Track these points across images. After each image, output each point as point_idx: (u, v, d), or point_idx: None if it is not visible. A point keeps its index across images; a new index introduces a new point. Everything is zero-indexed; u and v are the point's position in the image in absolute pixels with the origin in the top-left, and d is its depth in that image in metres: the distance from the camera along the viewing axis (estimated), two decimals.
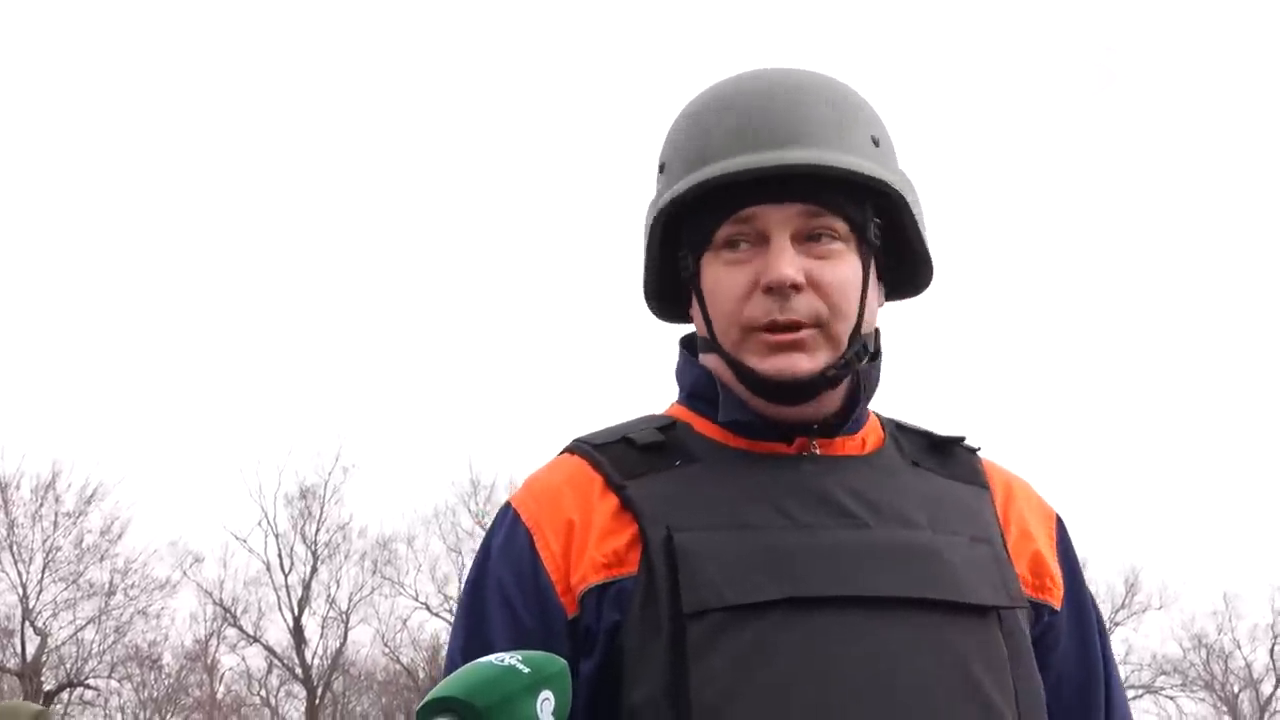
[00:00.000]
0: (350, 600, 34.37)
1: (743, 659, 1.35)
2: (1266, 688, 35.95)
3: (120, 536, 31.86)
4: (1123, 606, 34.80)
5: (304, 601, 33.81)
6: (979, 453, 1.58)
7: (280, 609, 33.94)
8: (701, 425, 1.51)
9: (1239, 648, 36.31)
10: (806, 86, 1.49)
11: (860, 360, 1.47)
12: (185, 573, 33.22)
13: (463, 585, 1.53)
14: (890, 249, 1.51)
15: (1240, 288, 47.24)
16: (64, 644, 30.97)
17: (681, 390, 1.56)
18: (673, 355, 1.59)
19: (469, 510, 34.52)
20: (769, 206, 1.44)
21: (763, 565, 1.38)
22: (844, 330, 1.45)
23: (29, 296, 47.44)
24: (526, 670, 1.09)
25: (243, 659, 34.84)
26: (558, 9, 48.69)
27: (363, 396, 46.90)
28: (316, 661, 34.09)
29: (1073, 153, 49.09)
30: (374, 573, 34.57)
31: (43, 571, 30.95)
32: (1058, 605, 1.51)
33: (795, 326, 1.43)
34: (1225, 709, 35.94)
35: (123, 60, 49.84)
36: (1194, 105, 48.78)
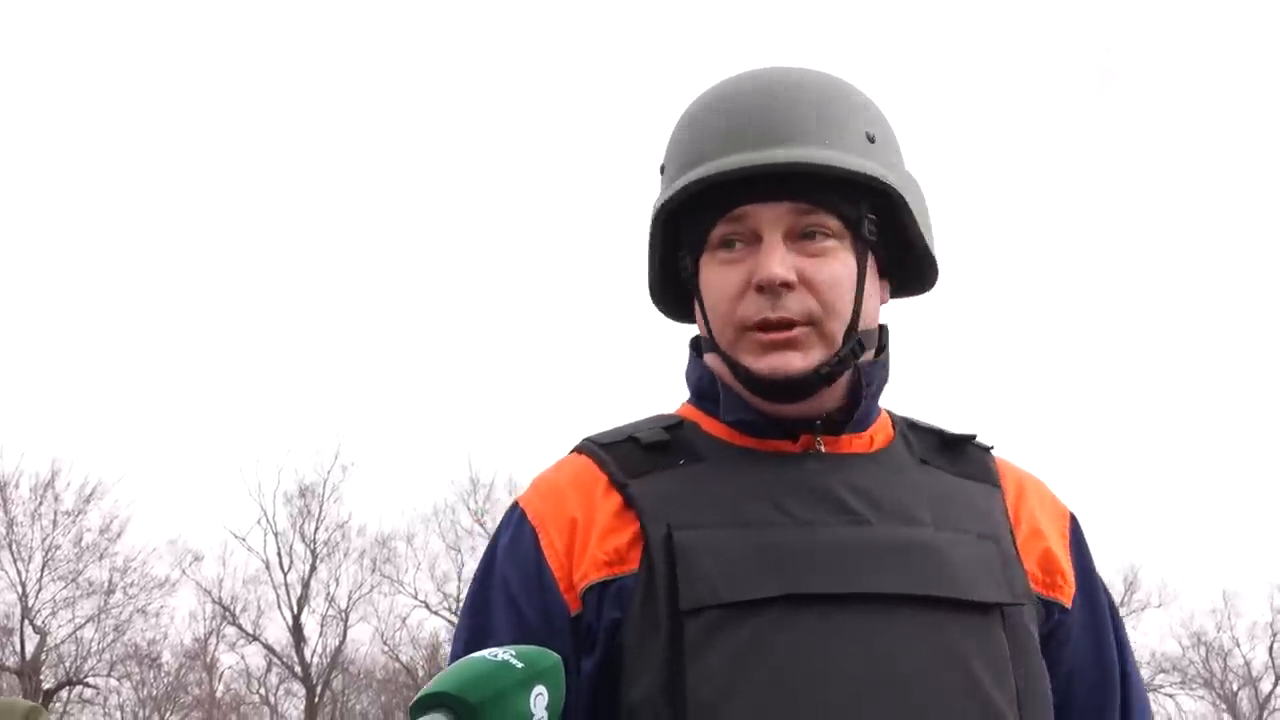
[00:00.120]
0: (349, 598, 34.42)
1: (739, 656, 1.35)
2: (1265, 685, 35.98)
3: (119, 535, 31.88)
4: (1122, 604, 34.82)
5: (303, 600, 33.84)
6: (992, 451, 1.58)
7: (279, 607, 33.99)
8: (708, 424, 1.51)
9: (1238, 645, 36.37)
10: (800, 85, 1.49)
11: (857, 357, 1.47)
12: (184, 571, 33.27)
13: (469, 583, 1.53)
14: (894, 246, 1.51)
15: (1240, 287, 47.26)
16: (63, 642, 30.98)
17: (689, 390, 1.57)
18: (675, 353, 1.60)
19: (468, 508, 34.56)
20: (760, 205, 1.44)
21: (761, 562, 1.38)
22: (837, 328, 1.45)
23: (28, 295, 47.46)
24: (520, 665, 1.09)
25: (242, 657, 34.90)
26: (561, 8, 48.71)
27: (362, 395, 46.96)
28: (316, 660, 34.12)
29: (1073, 153, 49.12)
30: (373, 571, 34.62)
31: (42, 570, 30.96)
32: (1068, 603, 1.51)
33: (787, 325, 1.44)
34: (1224, 707, 35.97)
35: (123, 60, 49.88)
36: (1194, 105, 48.82)
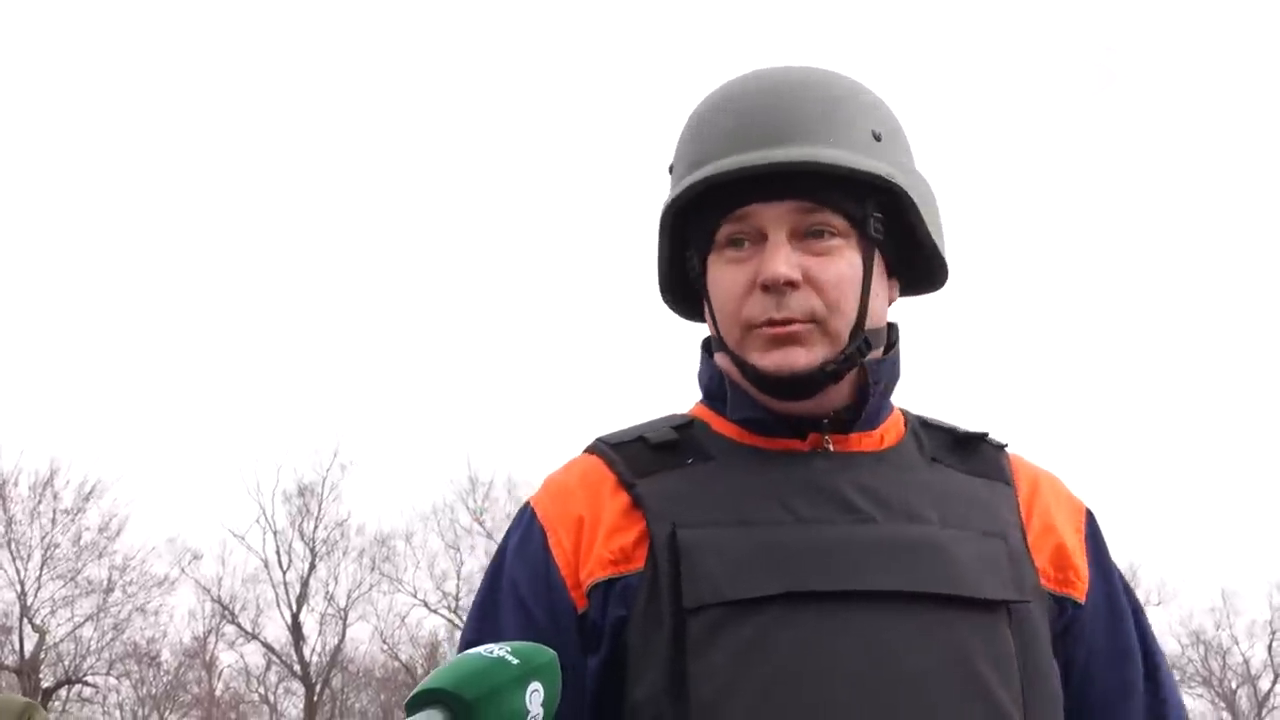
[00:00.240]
0: (348, 597, 34.43)
1: (741, 654, 1.35)
2: (1264, 684, 36.01)
3: (118, 533, 31.90)
4: None
5: (302, 598, 33.85)
6: (1006, 449, 1.58)
7: (278, 606, 34.00)
8: (718, 424, 1.52)
9: (1237, 644, 36.41)
10: (806, 84, 1.49)
11: (863, 355, 1.47)
12: (184, 570, 33.29)
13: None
14: (902, 245, 1.51)
15: (1239, 286, 47.28)
16: (62, 641, 30.99)
17: (700, 390, 1.58)
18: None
19: (467, 507, 34.52)
20: (765, 204, 1.45)
21: (763, 561, 1.39)
22: (842, 326, 1.45)
23: (28, 294, 47.45)
24: (515, 662, 1.09)
25: (241, 656, 34.92)
26: (568, 7, 48.69)
27: (361, 394, 46.95)
28: (315, 658, 34.14)
29: (1072, 153, 49.13)
30: (372, 569, 34.63)
31: (41, 568, 30.97)
32: (1082, 598, 1.50)
33: (790, 323, 1.44)
34: (1223, 705, 36.00)
35: (123, 60, 49.86)
36: (1194, 105, 48.82)
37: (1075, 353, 48.51)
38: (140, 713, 33.80)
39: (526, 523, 1.50)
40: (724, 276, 1.47)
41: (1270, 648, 36.01)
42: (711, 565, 1.39)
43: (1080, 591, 1.51)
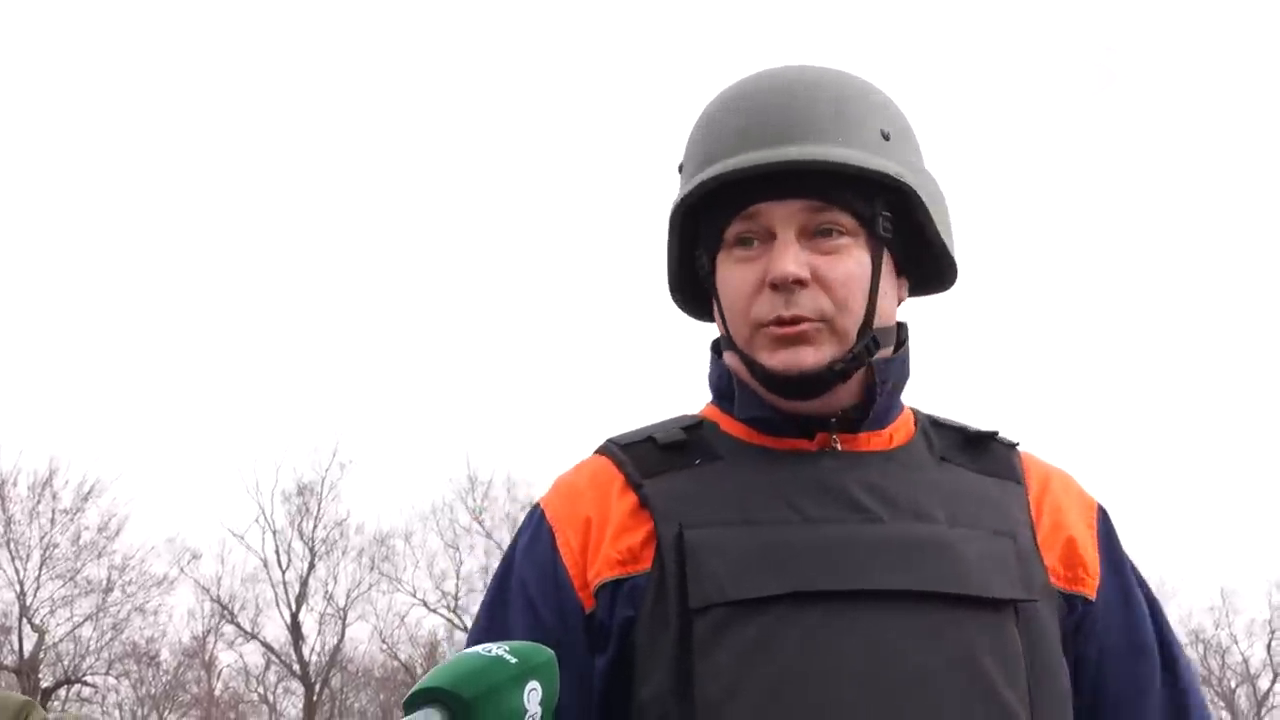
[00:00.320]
0: (348, 596, 34.40)
1: (746, 654, 1.36)
2: (1264, 683, 36.02)
3: (118, 533, 31.87)
4: None
5: (301, 598, 33.82)
6: (1018, 447, 1.57)
7: (278, 605, 33.97)
8: (728, 424, 1.52)
9: (1236, 643, 36.41)
10: (817, 84, 1.50)
11: (871, 354, 1.47)
12: (183, 569, 33.25)
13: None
14: (911, 244, 1.51)
15: (1238, 286, 47.29)
16: (61, 641, 30.98)
17: (710, 391, 1.58)
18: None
19: (466, 506, 34.52)
20: (773, 203, 1.45)
21: (768, 560, 1.39)
22: (851, 325, 1.45)
23: (27, 293, 47.45)
24: (513, 660, 1.09)
25: (240, 656, 34.89)
26: (573, 5, 48.68)
27: (360, 393, 46.99)
28: (314, 658, 34.12)
29: (1072, 153, 49.12)
30: (371, 569, 34.59)
31: (40, 568, 30.95)
32: (1092, 595, 1.50)
33: (799, 322, 1.44)
34: (1222, 704, 35.97)
35: (123, 60, 49.85)
36: (1194, 105, 48.81)
37: (1075, 352, 48.56)
38: (139, 712, 33.78)
39: (536, 523, 1.51)
40: (733, 275, 1.48)
41: (1269, 647, 36.03)
42: (717, 565, 1.39)
43: (1091, 588, 1.50)
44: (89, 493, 31.59)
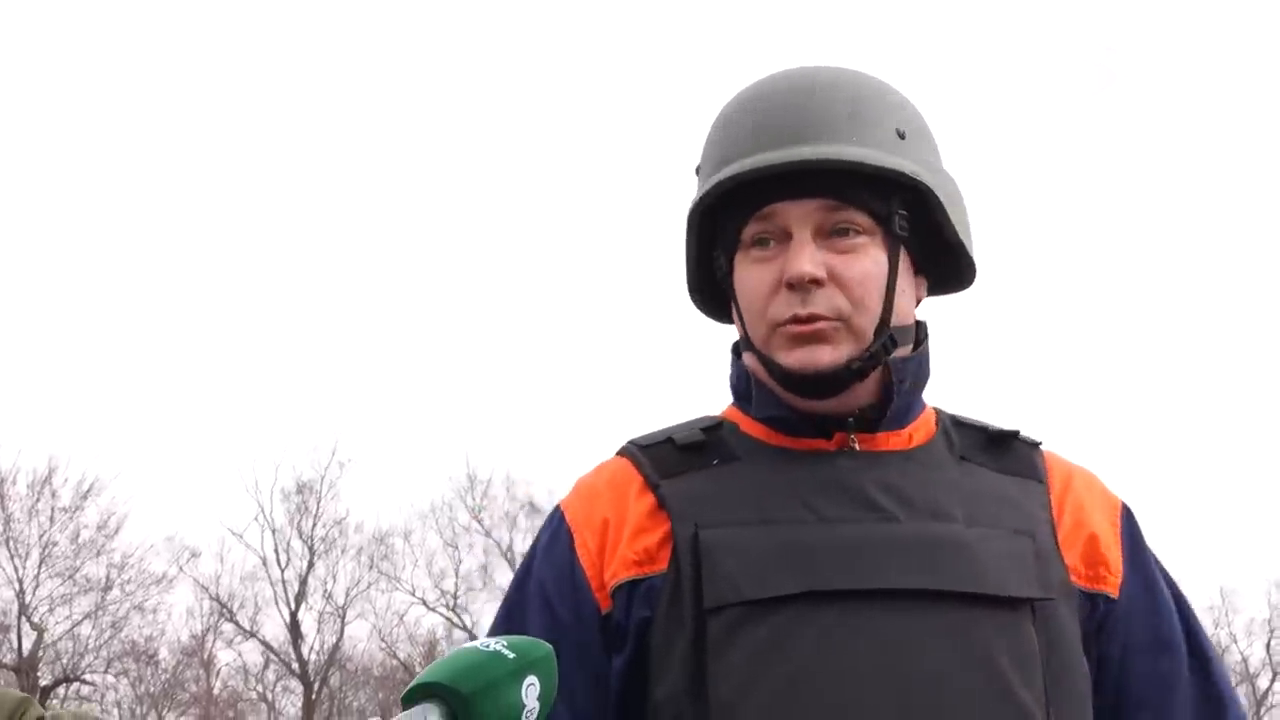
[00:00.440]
0: (347, 595, 34.40)
1: (759, 654, 1.36)
2: (1263, 682, 36.06)
3: (117, 531, 31.84)
4: None
5: (300, 597, 33.83)
6: (1041, 446, 1.57)
7: (277, 604, 33.98)
8: (747, 425, 1.53)
9: (1235, 642, 36.41)
10: (829, 83, 1.50)
11: (889, 353, 1.47)
12: (182, 568, 33.24)
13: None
14: (929, 243, 1.51)
15: (1238, 286, 47.32)
16: (60, 639, 30.97)
17: (730, 391, 1.58)
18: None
19: (465, 505, 34.52)
20: (790, 203, 1.45)
21: (782, 560, 1.39)
22: (867, 324, 1.46)
23: (26, 292, 47.46)
24: (512, 655, 1.09)
25: (239, 654, 34.88)
26: (585, 5, 48.71)
27: (359, 391, 47.02)
28: (313, 657, 34.13)
29: (1072, 153, 49.14)
30: (370, 568, 34.58)
31: (39, 566, 30.94)
32: (1115, 593, 1.50)
33: (815, 321, 1.44)
34: None
35: (123, 60, 49.83)
36: (1194, 105, 48.82)
37: (1075, 352, 48.60)
38: (138, 711, 33.79)
39: (555, 525, 1.52)
40: (750, 275, 1.48)
41: (1269, 646, 36.06)
42: (732, 565, 1.39)
43: (1113, 586, 1.50)
44: (88, 491, 31.61)
